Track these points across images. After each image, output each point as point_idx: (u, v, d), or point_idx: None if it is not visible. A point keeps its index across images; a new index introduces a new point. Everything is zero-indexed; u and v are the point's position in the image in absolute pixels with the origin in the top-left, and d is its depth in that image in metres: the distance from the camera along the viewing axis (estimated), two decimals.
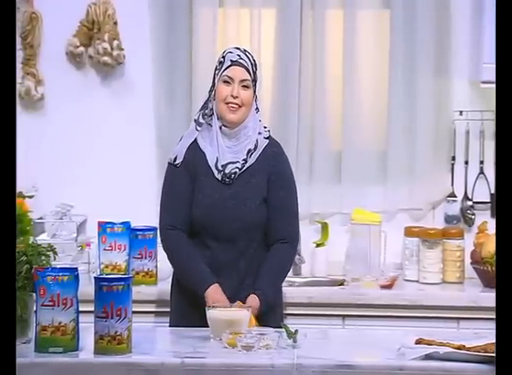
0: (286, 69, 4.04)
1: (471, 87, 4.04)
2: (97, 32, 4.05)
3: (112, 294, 2.55)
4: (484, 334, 2.77)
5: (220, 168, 3.08)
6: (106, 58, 4.02)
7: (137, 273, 3.69)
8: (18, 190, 3.66)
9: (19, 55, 4.03)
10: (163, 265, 3.79)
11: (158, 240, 3.76)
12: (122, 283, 2.57)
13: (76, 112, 4.11)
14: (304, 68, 4.05)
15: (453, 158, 4.09)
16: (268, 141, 3.15)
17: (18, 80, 4.01)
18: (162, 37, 4.06)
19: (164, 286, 3.75)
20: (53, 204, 3.98)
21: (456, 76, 4.05)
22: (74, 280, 2.58)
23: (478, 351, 2.54)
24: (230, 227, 3.06)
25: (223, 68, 3.10)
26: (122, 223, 3.71)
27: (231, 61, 3.10)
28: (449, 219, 4.08)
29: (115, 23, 4.05)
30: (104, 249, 3.71)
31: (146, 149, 4.10)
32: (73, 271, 2.60)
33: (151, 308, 3.60)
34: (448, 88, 4.05)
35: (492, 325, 3.51)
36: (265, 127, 3.17)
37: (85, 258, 3.89)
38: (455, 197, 4.08)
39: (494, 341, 2.61)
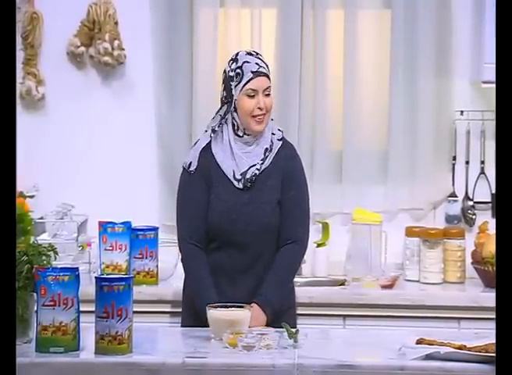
0: (287, 69, 4.04)
1: (471, 87, 4.04)
2: (98, 32, 4.05)
3: (112, 294, 2.55)
4: (485, 334, 2.77)
5: (239, 177, 3.06)
6: (107, 58, 4.02)
7: (138, 273, 3.69)
8: (19, 190, 3.67)
9: (20, 55, 4.03)
10: (164, 265, 3.80)
11: (159, 240, 3.79)
12: (123, 283, 2.57)
13: (77, 112, 4.11)
14: (305, 68, 4.05)
15: (454, 158, 4.09)
16: (281, 142, 3.13)
17: (19, 80, 4.01)
18: (163, 37, 4.06)
19: (165, 286, 3.76)
20: (54, 204, 3.98)
21: (457, 76, 4.05)
22: (75, 279, 2.58)
23: (479, 352, 2.53)
24: (247, 232, 3.05)
25: (244, 81, 3.02)
26: (123, 223, 3.71)
27: (252, 72, 3.03)
28: (450, 219, 4.08)
29: (116, 23, 4.05)
30: (105, 249, 3.71)
31: (147, 149, 4.10)
32: (74, 271, 2.60)
33: (152, 308, 3.60)
34: (449, 88, 4.05)
35: (493, 325, 3.52)
36: (280, 130, 3.15)
37: (86, 258, 3.88)
38: (456, 197, 4.08)
39: (495, 341, 2.61)
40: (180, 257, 3.15)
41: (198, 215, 3.06)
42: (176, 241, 3.91)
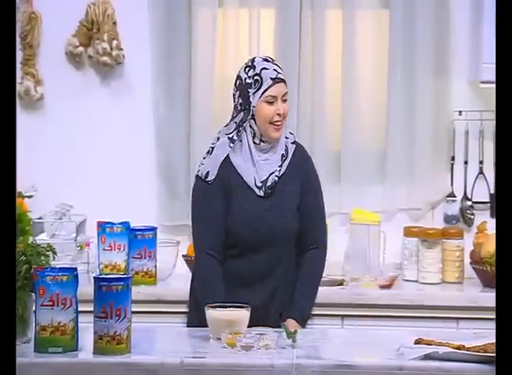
0: (285, 69, 3.98)
1: (470, 87, 4.04)
2: (97, 32, 4.05)
3: (111, 294, 2.55)
4: (483, 334, 2.77)
5: (260, 183, 3.04)
6: (105, 59, 4.02)
7: (137, 273, 3.69)
8: (17, 190, 3.67)
9: (19, 55, 4.03)
10: (162, 265, 3.80)
11: (158, 240, 3.79)
12: (122, 283, 2.57)
13: (76, 112, 4.11)
14: (303, 68, 4.05)
15: (453, 158, 4.09)
16: (294, 146, 3.12)
17: (17, 80, 4.00)
18: (162, 37, 4.06)
19: (163, 286, 3.76)
20: (52, 204, 3.98)
21: (455, 76, 4.05)
22: (73, 280, 2.58)
23: (478, 352, 2.53)
24: (269, 239, 3.04)
25: (264, 87, 3.00)
26: (122, 223, 3.71)
27: (271, 79, 3.02)
28: (448, 219, 4.08)
29: (115, 23, 4.05)
30: (104, 249, 3.71)
31: (145, 149, 4.10)
32: (73, 271, 2.59)
33: (151, 308, 3.60)
34: (447, 88, 4.05)
35: (492, 325, 3.51)
36: (291, 132, 3.15)
37: (84, 258, 3.88)
38: (454, 197, 4.08)
39: (494, 341, 2.61)
40: (196, 266, 3.10)
41: (217, 225, 3.02)
42: (175, 241, 3.94)
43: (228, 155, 3.05)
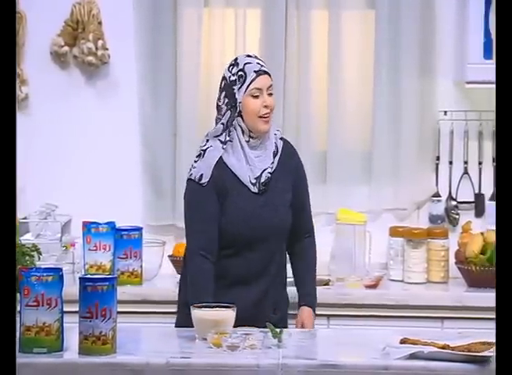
0: (271, 69, 3.99)
1: (455, 87, 4.06)
2: (82, 32, 4.04)
3: (96, 295, 2.54)
4: (468, 334, 2.78)
5: (254, 180, 3.06)
6: (91, 58, 4.01)
7: (122, 273, 3.69)
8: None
9: None
10: (148, 265, 3.79)
11: (143, 240, 3.78)
12: (107, 283, 2.56)
13: (61, 112, 4.10)
14: (289, 68, 4.05)
15: (438, 158, 4.10)
16: (282, 142, 3.15)
17: None
18: (147, 36, 4.06)
19: (149, 286, 3.75)
20: (37, 204, 3.97)
21: (440, 76, 4.06)
22: (58, 280, 2.57)
23: (462, 351, 2.54)
24: (264, 235, 3.06)
25: (248, 81, 3.02)
26: (107, 223, 3.70)
27: (255, 72, 3.04)
28: (433, 218, 4.09)
29: (100, 23, 4.05)
30: (89, 249, 3.70)
31: (131, 149, 4.09)
32: (58, 271, 2.59)
33: (136, 308, 3.59)
34: (432, 88, 4.06)
35: (477, 324, 3.54)
36: (278, 130, 3.18)
37: (70, 258, 3.87)
38: (439, 197, 4.10)
39: (478, 340, 2.62)
40: (188, 267, 3.09)
41: (210, 226, 3.03)
42: (160, 241, 3.93)
43: (221, 156, 3.05)
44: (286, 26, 4.03)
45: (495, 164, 4.07)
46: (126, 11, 4.06)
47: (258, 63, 3.07)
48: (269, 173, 3.07)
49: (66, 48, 4.04)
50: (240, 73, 3.04)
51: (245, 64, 3.05)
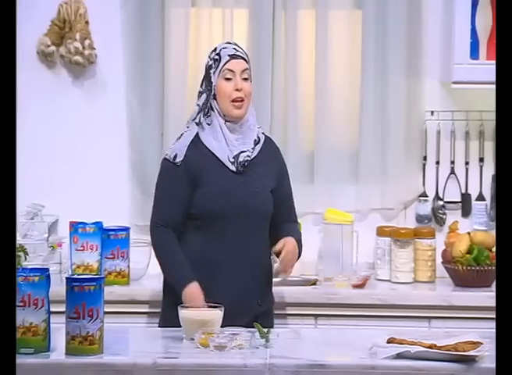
0: (259, 69, 4.03)
1: (442, 87, 4.07)
2: (69, 31, 4.03)
3: (83, 295, 2.54)
4: (455, 333, 2.79)
5: (232, 159, 3.09)
6: (78, 58, 4.00)
7: (109, 274, 3.68)
8: None
9: None
10: (136, 265, 3.79)
11: (131, 240, 3.77)
12: (94, 283, 2.56)
13: (48, 112, 4.08)
14: (277, 68, 4.05)
15: (425, 158, 4.11)
16: (264, 137, 3.20)
17: None
18: (134, 36, 4.05)
19: (136, 286, 3.75)
20: (24, 204, 3.95)
21: (427, 76, 4.07)
22: (45, 280, 2.57)
23: (449, 350, 2.55)
24: (243, 215, 3.07)
25: (222, 63, 3.10)
26: (94, 223, 3.69)
27: (229, 55, 3.10)
28: (420, 218, 4.10)
29: (87, 23, 4.04)
30: (76, 249, 3.69)
31: (118, 149, 4.08)
32: (44, 271, 2.58)
33: (124, 308, 3.58)
34: (419, 88, 4.07)
35: (463, 324, 3.55)
36: (259, 127, 3.22)
37: (56, 258, 3.86)
38: (426, 197, 4.11)
39: (464, 339, 2.63)
40: (151, 242, 3.15)
41: (175, 205, 3.06)
42: (148, 241, 3.93)
43: (198, 137, 3.10)
44: (274, 27, 4.04)
45: (481, 164, 4.09)
46: (114, 11, 4.05)
47: (234, 48, 3.12)
48: (248, 156, 3.10)
49: (53, 48, 4.03)
50: (215, 56, 3.12)
51: (221, 49, 3.13)
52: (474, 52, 3.90)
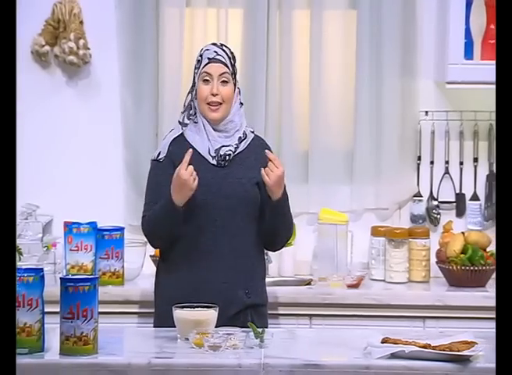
0: (253, 70, 4.04)
1: (436, 87, 4.08)
2: (63, 31, 4.02)
3: (78, 295, 2.53)
4: (449, 333, 2.79)
5: (213, 154, 3.10)
6: (72, 58, 4.00)
7: (104, 274, 3.68)
8: None
9: None
10: (130, 265, 3.78)
11: (125, 240, 3.77)
12: (89, 283, 2.56)
13: (42, 112, 4.08)
14: (271, 68, 4.05)
15: (419, 158, 4.12)
16: (253, 135, 3.21)
17: None
18: (129, 36, 4.05)
19: (131, 286, 3.74)
20: (18, 204, 3.93)
21: (421, 76, 4.08)
22: (39, 280, 2.56)
23: (443, 350, 2.56)
24: (227, 205, 3.07)
25: (201, 66, 3.12)
26: (89, 224, 3.69)
27: (208, 58, 3.12)
28: (414, 218, 4.11)
29: (81, 22, 4.03)
30: (71, 249, 3.69)
31: (113, 149, 4.08)
32: (39, 272, 2.58)
33: (118, 308, 3.58)
34: (414, 89, 4.08)
35: (458, 323, 3.55)
36: (248, 127, 3.22)
37: (51, 258, 3.86)
38: (421, 196, 4.11)
39: (459, 339, 2.64)
40: (145, 232, 3.13)
41: (160, 195, 3.06)
42: (142, 241, 3.93)
43: (182, 135, 3.13)
44: (268, 27, 4.04)
45: (476, 164, 4.10)
46: (108, 10, 4.05)
47: (215, 51, 3.13)
48: (230, 150, 3.11)
49: (47, 48, 4.03)
50: (198, 58, 3.16)
51: (205, 50, 3.15)
52: (469, 52, 3.91)
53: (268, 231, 3.14)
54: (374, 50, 4.04)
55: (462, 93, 3.99)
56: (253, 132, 3.23)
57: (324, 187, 4.07)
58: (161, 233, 3.08)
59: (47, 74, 4.09)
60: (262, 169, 3.04)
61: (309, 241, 4.01)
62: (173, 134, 3.16)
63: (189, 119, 3.14)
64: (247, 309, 3.07)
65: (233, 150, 3.12)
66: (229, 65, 3.13)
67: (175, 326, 2.79)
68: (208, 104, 3.10)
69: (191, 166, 2.98)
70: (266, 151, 3.10)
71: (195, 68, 3.16)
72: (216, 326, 2.76)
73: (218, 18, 4.04)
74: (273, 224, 3.12)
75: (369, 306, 3.66)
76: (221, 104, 3.10)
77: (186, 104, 3.17)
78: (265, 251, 3.99)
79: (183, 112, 3.17)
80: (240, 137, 3.15)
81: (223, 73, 3.10)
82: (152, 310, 3.26)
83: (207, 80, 3.10)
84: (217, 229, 3.07)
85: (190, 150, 3.01)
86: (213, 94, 3.09)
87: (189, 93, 3.17)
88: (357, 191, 4.09)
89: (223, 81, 3.10)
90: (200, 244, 3.07)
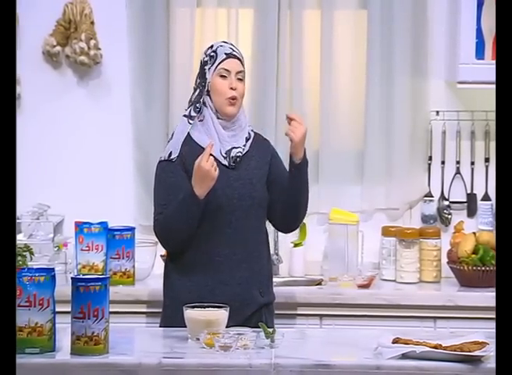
0: (264, 69, 4.04)
1: (447, 87, 4.07)
2: (74, 31, 4.03)
3: (89, 295, 2.54)
4: (460, 333, 2.79)
5: (225, 154, 3.10)
6: (83, 58, 4.01)
7: (115, 274, 3.68)
8: None
9: None
10: (141, 265, 3.79)
11: (136, 240, 3.78)
12: (100, 283, 2.56)
13: (53, 112, 4.09)
14: (282, 68, 4.05)
15: (430, 158, 4.11)
16: (254, 134, 3.22)
17: None
18: (140, 36, 4.06)
19: (141, 286, 3.75)
20: (30, 204, 3.96)
21: (432, 76, 4.07)
22: (51, 280, 2.57)
23: (454, 351, 2.55)
24: (241, 207, 3.08)
25: (218, 61, 3.11)
26: (100, 223, 3.70)
27: (225, 54, 3.12)
28: (425, 218, 4.10)
29: (92, 23, 4.04)
30: (82, 249, 3.69)
31: (123, 149, 4.09)
32: (50, 271, 2.58)
33: (129, 308, 3.59)
34: (425, 88, 4.07)
35: (469, 324, 3.54)
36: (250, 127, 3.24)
37: (62, 258, 3.87)
38: (432, 197, 4.10)
39: (470, 339, 2.63)
40: (158, 235, 3.10)
41: (173, 195, 3.04)
42: (153, 241, 3.93)
43: (190, 135, 3.11)
44: (279, 26, 4.04)
45: (487, 164, 4.09)
46: (119, 11, 4.06)
47: (231, 48, 3.15)
48: (240, 152, 3.11)
49: (59, 48, 4.04)
50: (212, 54, 3.14)
51: (218, 47, 3.15)
52: (480, 52, 3.90)
53: (289, 202, 3.12)
54: (385, 50, 4.04)
55: (473, 93, 3.98)
56: (252, 130, 3.23)
57: (334, 187, 4.07)
58: (179, 232, 3.05)
59: (58, 74, 4.10)
60: (287, 125, 3.07)
61: (319, 241, 4.01)
62: (181, 133, 3.12)
63: (195, 112, 3.12)
64: (262, 308, 3.08)
65: (242, 151, 3.13)
66: (243, 63, 3.15)
67: (182, 327, 2.79)
68: (227, 99, 3.09)
69: (211, 157, 2.98)
70: (287, 113, 3.15)
71: (206, 63, 3.13)
72: (232, 326, 2.76)
73: (229, 18, 4.04)
74: (294, 193, 3.11)
75: (380, 306, 3.65)
76: (237, 99, 3.10)
77: (192, 99, 3.15)
78: (276, 251, 4.02)
79: (189, 107, 3.15)
80: (246, 137, 3.16)
81: (240, 71, 3.12)
82: (161, 310, 3.26)
83: (224, 76, 3.10)
84: (231, 230, 3.07)
85: (212, 142, 3.01)
86: (232, 89, 3.09)
87: (196, 88, 3.15)
88: (368, 191, 4.09)
89: (239, 79, 3.12)
90: (215, 246, 3.07)
